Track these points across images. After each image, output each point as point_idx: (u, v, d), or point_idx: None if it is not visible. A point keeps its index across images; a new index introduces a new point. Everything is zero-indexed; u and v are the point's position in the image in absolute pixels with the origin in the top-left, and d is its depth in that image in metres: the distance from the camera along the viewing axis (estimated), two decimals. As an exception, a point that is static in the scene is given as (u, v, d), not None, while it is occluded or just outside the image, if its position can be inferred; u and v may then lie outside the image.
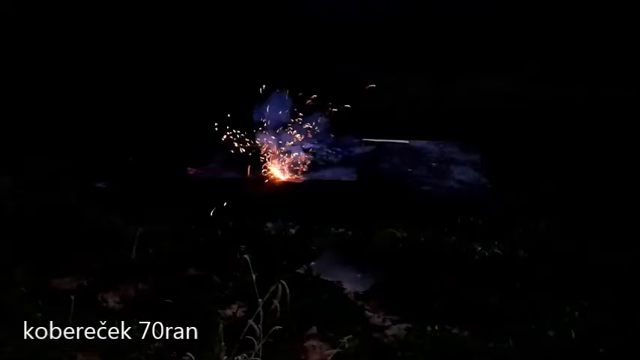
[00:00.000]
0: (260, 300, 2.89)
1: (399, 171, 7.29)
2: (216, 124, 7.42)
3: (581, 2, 9.51)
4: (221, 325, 3.09)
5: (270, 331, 2.90)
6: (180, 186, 6.94)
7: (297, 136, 7.53)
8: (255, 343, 2.84)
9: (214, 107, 8.13)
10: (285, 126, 7.43)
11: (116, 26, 9.21)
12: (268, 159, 7.33)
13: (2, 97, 8.00)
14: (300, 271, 4.71)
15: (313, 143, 7.67)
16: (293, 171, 7.22)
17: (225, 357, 2.92)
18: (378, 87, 8.09)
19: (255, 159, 7.36)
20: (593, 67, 8.99)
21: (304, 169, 7.24)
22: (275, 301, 2.88)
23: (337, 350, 3.24)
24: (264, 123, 7.39)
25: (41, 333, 3.38)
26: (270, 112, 7.34)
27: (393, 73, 8.55)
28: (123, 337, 3.47)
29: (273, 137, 7.51)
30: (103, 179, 6.93)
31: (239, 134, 7.56)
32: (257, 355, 2.85)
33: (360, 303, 4.32)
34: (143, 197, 6.42)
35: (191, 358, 2.91)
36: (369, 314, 4.17)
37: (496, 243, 4.91)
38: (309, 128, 7.53)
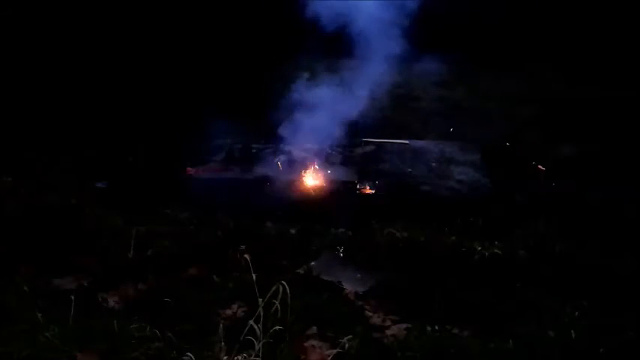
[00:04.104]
0: (260, 300, 2.89)
1: (399, 171, 7.29)
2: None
3: (581, 5, 9.52)
4: (221, 325, 3.09)
5: (271, 331, 2.89)
6: (180, 186, 6.94)
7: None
8: (255, 343, 2.84)
9: (214, 107, 8.14)
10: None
11: (116, 27, 9.21)
12: (270, 159, 7.33)
13: (3, 97, 8.00)
14: (300, 271, 4.71)
15: (314, 143, 7.67)
16: (294, 171, 7.22)
17: (225, 357, 2.91)
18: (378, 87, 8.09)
19: (257, 159, 7.36)
20: (594, 68, 8.99)
21: (305, 169, 7.23)
22: (275, 301, 2.88)
23: (337, 350, 3.24)
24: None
25: (41, 333, 3.38)
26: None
27: (393, 72, 8.54)
28: (123, 337, 3.47)
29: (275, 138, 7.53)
30: (103, 179, 6.93)
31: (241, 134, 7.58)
32: (257, 355, 2.84)
33: (360, 303, 4.32)
34: (143, 197, 6.42)
35: (191, 358, 2.91)
36: (369, 314, 4.17)
37: (496, 243, 4.91)
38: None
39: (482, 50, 9.01)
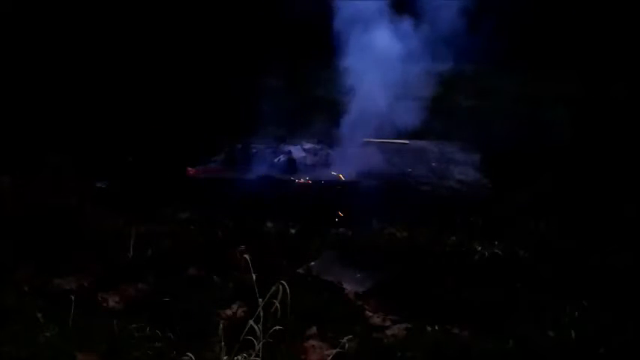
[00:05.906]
0: (260, 300, 2.89)
1: (399, 171, 7.29)
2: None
3: (582, 4, 9.51)
4: (221, 325, 3.09)
5: (270, 331, 2.90)
6: (180, 186, 6.94)
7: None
8: (255, 343, 2.84)
9: (214, 107, 8.14)
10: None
11: (116, 26, 9.21)
12: (270, 159, 7.32)
13: (2, 96, 8.00)
14: (300, 271, 4.71)
15: (313, 143, 7.67)
16: (293, 171, 7.21)
17: (225, 357, 2.91)
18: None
19: (257, 159, 7.36)
20: (593, 67, 8.99)
21: (305, 169, 7.23)
22: (275, 301, 2.88)
23: (337, 350, 3.24)
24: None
25: (41, 333, 3.38)
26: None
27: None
28: (123, 337, 3.48)
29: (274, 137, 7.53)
30: (103, 179, 6.93)
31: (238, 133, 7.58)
32: (257, 355, 2.85)
33: (360, 303, 4.32)
34: (143, 197, 6.41)
35: (191, 358, 2.91)
36: (369, 314, 4.17)
37: (496, 243, 4.91)
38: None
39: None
